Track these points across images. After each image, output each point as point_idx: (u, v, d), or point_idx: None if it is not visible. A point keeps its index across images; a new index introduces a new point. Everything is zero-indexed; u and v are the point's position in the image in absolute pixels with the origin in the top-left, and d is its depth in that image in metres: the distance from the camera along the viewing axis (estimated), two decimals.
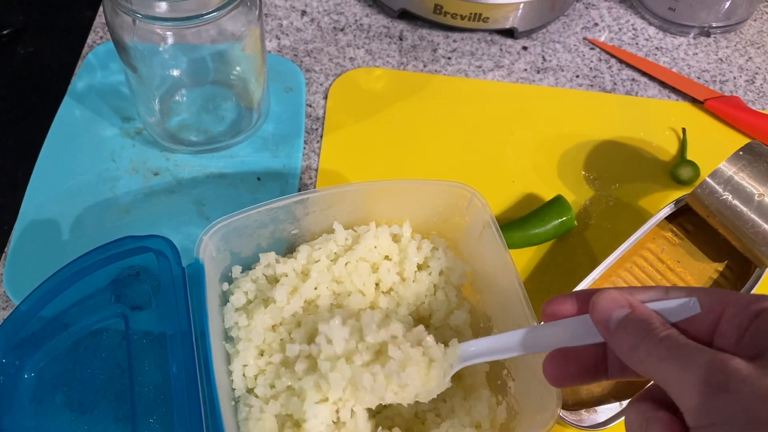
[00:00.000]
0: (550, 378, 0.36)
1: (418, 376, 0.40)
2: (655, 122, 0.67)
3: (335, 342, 0.41)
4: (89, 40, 0.67)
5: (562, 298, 0.36)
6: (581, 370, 0.36)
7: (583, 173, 0.63)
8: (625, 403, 0.50)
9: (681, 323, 0.32)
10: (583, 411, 0.50)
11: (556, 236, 0.57)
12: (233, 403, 0.44)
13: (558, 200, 0.57)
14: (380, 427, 0.43)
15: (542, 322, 0.38)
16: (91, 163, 0.58)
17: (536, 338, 0.38)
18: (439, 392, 0.41)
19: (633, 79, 0.70)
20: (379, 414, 0.46)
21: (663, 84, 0.70)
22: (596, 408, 0.50)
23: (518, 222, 0.56)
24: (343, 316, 0.43)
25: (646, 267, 0.55)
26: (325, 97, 0.66)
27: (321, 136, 0.63)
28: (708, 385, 0.27)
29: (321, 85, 0.67)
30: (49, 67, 0.68)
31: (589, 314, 0.34)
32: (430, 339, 0.41)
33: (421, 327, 0.43)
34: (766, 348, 0.29)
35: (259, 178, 0.59)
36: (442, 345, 0.41)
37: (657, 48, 0.73)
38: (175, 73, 0.58)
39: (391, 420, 0.45)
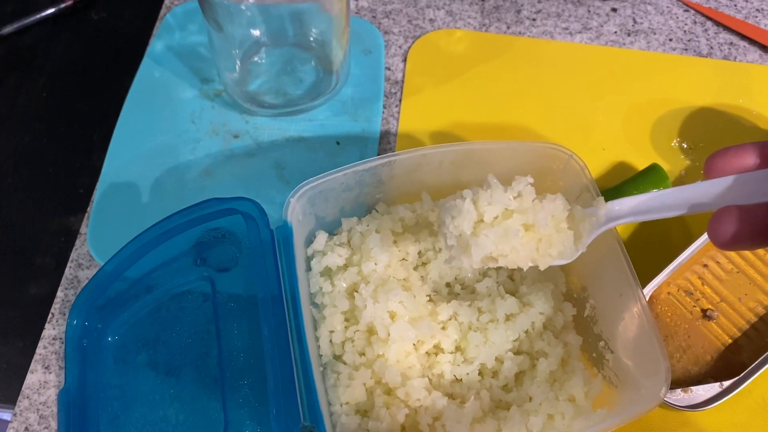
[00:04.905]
0: (720, 241, 0.32)
1: (561, 242, 0.38)
2: (756, 89, 0.62)
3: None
4: (167, 1, 0.66)
5: (738, 150, 0.32)
6: (755, 231, 0.31)
7: (678, 142, 0.59)
8: (726, 383, 0.48)
9: None
10: (679, 390, 0.47)
11: None
12: (321, 368, 0.43)
13: (654, 168, 0.54)
14: (477, 388, 0.42)
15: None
16: (171, 125, 0.58)
17: (704, 195, 0.33)
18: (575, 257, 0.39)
19: (731, 43, 0.66)
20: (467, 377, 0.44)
21: (765, 48, 0.65)
22: (692, 388, 0.48)
23: (612, 191, 0.53)
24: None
25: None
26: (404, 60, 0.63)
27: (400, 100, 0.61)
28: None
29: (400, 47, 0.64)
30: (122, 33, 0.68)
31: None
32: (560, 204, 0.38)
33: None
34: None
35: (338, 142, 0.57)
36: (579, 207, 0.39)
37: (758, 10, 0.68)
38: (257, 32, 0.56)
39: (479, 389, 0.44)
